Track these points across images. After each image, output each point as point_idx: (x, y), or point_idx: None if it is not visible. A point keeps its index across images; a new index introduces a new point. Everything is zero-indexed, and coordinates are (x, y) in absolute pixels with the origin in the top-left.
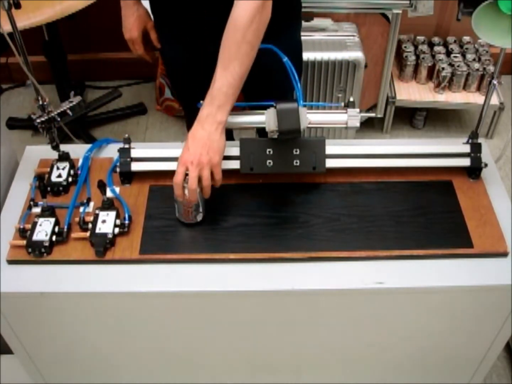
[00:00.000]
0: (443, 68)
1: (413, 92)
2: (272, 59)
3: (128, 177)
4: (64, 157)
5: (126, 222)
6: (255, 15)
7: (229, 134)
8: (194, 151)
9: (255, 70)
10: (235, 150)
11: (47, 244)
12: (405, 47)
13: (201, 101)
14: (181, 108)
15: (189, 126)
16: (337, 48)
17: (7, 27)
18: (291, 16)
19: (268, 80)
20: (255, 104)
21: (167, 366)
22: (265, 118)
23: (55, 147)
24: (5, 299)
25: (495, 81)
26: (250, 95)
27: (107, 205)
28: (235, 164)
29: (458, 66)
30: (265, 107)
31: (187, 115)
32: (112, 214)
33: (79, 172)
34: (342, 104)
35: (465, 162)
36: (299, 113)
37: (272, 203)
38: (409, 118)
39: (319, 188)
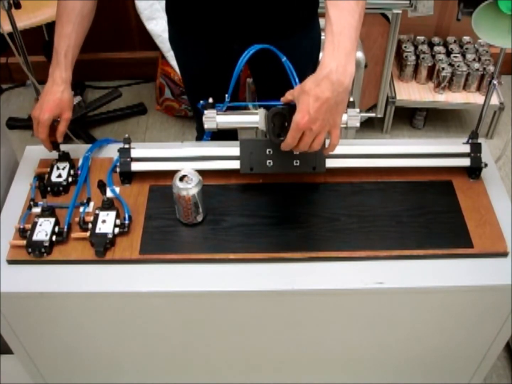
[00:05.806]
0: (443, 68)
1: (413, 92)
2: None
3: (128, 177)
4: (64, 157)
5: (126, 222)
6: None
7: (234, 134)
8: (316, 116)
9: (268, 69)
10: (235, 150)
11: (47, 244)
12: (405, 47)
13: (201, 101)
14: (181, 108)
15: (199, 127)
16: None
17: (7, 27)
18: (310, 13)
19: (281, 79)
20: (264, 104)
21: (167, 366)
22: (258, 118)
23: (56, 147)
24: (5, 299)
25: (495, 81)
26: (264, 94)
27: (107, 205)
28: (235, 164)
29: (458, 66)
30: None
31: (198, 117)
32: (112, 214)
33: (79, 172)
34: None
35: (465, 162)
36: None
37: (272, 203)
38: (409, 118)
39: (319, 188)
